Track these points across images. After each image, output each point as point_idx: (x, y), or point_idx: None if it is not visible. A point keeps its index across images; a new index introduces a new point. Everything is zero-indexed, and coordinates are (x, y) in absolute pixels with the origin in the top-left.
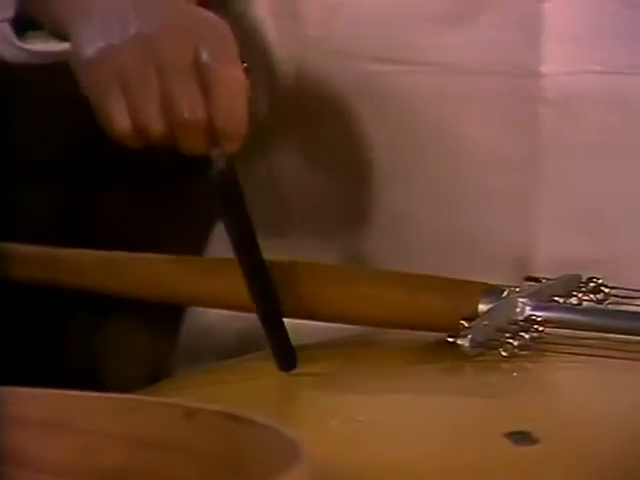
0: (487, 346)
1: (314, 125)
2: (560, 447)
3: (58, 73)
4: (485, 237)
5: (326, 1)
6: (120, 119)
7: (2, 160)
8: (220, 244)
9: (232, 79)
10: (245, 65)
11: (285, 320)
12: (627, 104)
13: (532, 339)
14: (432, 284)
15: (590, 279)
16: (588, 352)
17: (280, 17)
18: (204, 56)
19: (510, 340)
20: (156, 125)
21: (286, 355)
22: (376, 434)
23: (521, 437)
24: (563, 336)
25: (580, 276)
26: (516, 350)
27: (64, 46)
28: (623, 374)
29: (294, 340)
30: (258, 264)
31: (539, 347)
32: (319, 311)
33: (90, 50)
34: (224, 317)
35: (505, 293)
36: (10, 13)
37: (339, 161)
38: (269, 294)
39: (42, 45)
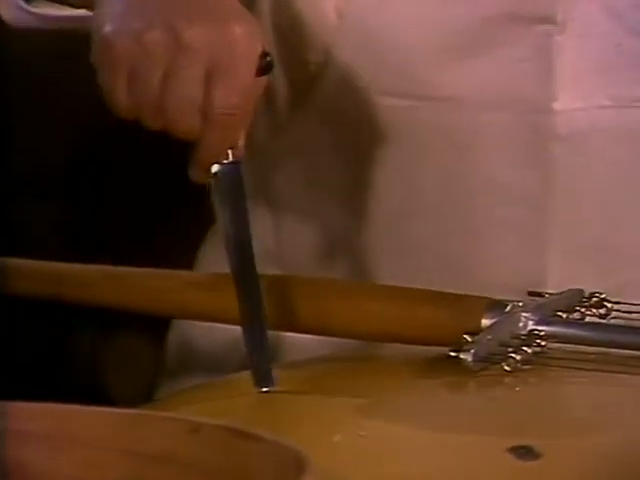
0: (490, 361)
1: (318, 154)
2: (563, 462)
3: (59, 88)
4: (495, 271)
5: (326, 27)
6: (121, 100)
7: (3, 177)
8: (211, 256)
9: (228, 110)
10: (268, 59)
11: (286, 335)
12: (638, 137)
13: (535, 354)
14: (435, 298)
15: (593, 294)
16: (591, 367)
17: (283, 37)
18: (214, 79)
19: (513, 355)
20: (152, 115)
21: (262, 372)
22: (379, 449)
23: (524, 452)
24: (566, 351)
25: (583, 291)
26: (519, 365)
27: (72, 12)
28: (626, 389)
29: (296, 354)
30: (251, 272)
31: (542, 362)
32: (320, 325)
33: (109, 27)
34: (211, 329)
35: (508, 308)
36: None
37: (345, 192)
38: (257, 304)
39: (49, 9)
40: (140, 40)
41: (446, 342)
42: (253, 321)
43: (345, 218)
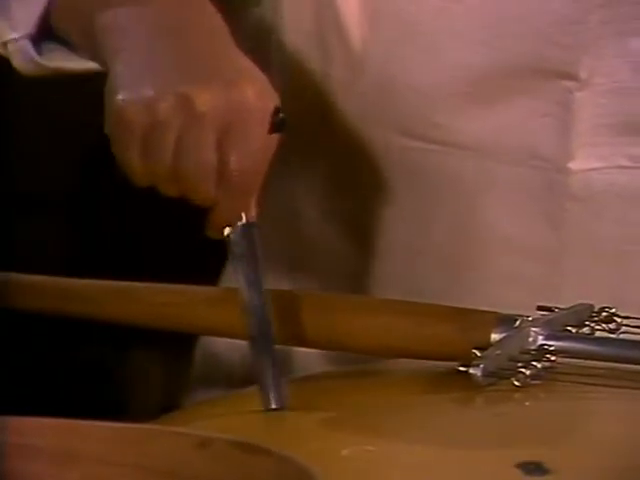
0: (499, 376)
1: (328, 186)
2: (572, 478)
3: (61, 105)
4: None
5: (350, 52)
6: (136, 168)
7: (5, 192)
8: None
9: (243, 173)
10: (281, 116)
11: (295, 349)
12: None
13: (544, 369)
14: (444, 313)
15: (602, 309)
16: (600, 382)
17: (306, 60)
18: (227, 143)
19: (522, 370)
20: (167, 181)
21: (271, 391)
22: (387, 464)
23: (533, 468)
24: (575, 366)
25: (592, 306)
26: (528, 380)
27: (85, 64)
28: (636, 404)
29: (305, 369)
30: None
31: (551, 377)
32: (329, 340)
33: (121, 96)
34: (232, 344)
35: (518, 322)
36: (32, 29)
37: (355, 227)
38: (266, 324)
39: (62, 62)
40: (152, 109)
41: (455, 357)
42: (261, 339)
43: (354, 252)
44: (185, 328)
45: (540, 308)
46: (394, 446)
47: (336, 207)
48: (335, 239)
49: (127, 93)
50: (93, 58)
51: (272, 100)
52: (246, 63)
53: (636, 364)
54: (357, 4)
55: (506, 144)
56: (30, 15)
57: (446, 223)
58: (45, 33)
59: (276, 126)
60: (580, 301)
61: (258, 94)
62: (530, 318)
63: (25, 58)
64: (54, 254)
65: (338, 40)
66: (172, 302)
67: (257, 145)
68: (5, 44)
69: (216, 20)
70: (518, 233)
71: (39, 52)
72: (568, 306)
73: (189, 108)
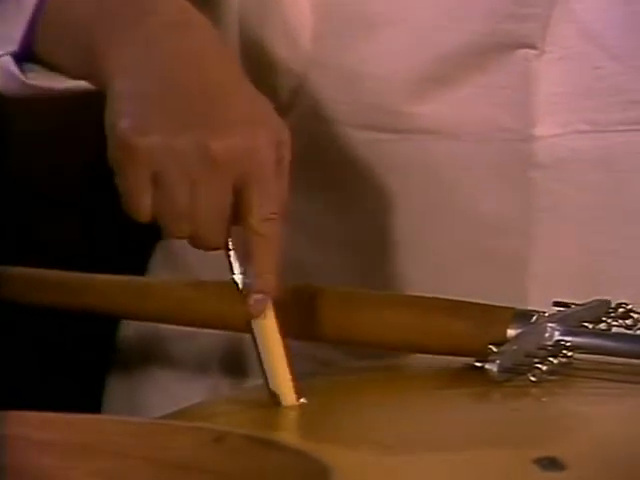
0: (516, 371)
1: (300, 194)
2: (588, 473)
3: (75, 107)
4: (477, 299)
5: (300, 54)
6: (144, 206)
7: (20, 190)
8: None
9: (269, 217)
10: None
11: (311, 344)
12: (617, 162)
13: (561, 364)
14: (460, 309)
15: (619, 305)
16: (617, 378)
17: (251, 59)
18: (245, 188)
19: (539, 365)
20: (177, 222)
21: (286, 387)
22: (403, 459)
23: (549, 463)
24: (592, 361)
25: (609, 301)
26: (545, 375)
27: (70, 83)
28: None
29: (322, 364)
30: None
31: (568, 372)
32: (346, 335)
33: (127, 124)
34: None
35: (534, 318)
36: (14, 47)
37: (319, 226)
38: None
39: (47, 82)
40: (168, 146)
41: (471, 352)
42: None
43: (319, 252)
44: (203, 324)
45: (556, 304)
46: (410, 441)
47: (303, 208)
48: (295, 238)
49: (135, 122)
50: (87, 77)
51: (287, 147)
52: (259, 99)
53: None
54: (307, 4)
55: (468, 122)
56: (13, 32)
57: (414, 210)
58: (26, 55)
59: None
60: (549, 272)
61: (272, 141)
62: (546, 314)
63: (8, 76)
64: (68, 251)
65: (286, 46)
66: (189, 297)
67: (273, 191)
68: None
69: (223, 47)
70: (487, 208)
71: (22, 72)
72: (584, 302)
73: (206, 153)
